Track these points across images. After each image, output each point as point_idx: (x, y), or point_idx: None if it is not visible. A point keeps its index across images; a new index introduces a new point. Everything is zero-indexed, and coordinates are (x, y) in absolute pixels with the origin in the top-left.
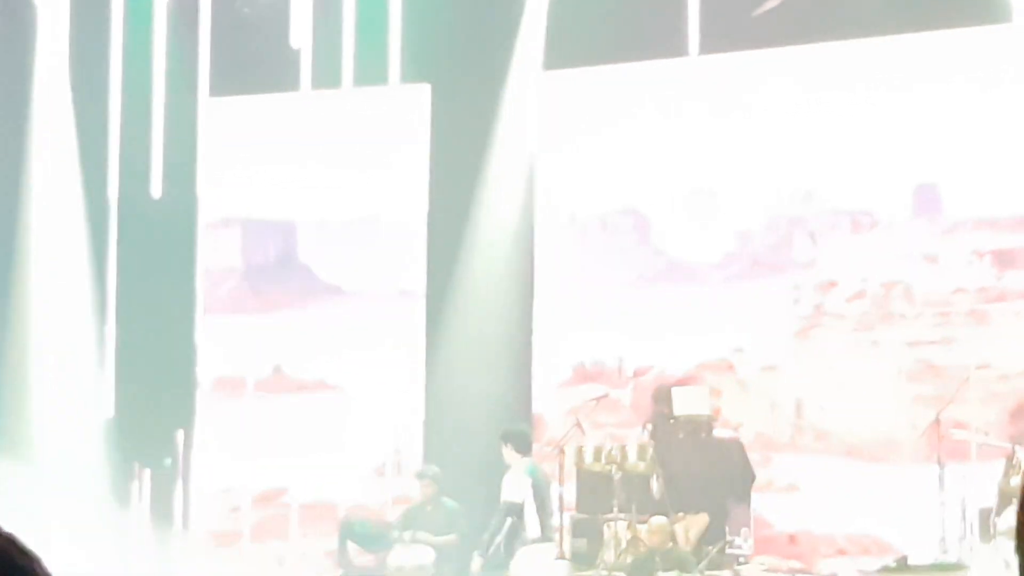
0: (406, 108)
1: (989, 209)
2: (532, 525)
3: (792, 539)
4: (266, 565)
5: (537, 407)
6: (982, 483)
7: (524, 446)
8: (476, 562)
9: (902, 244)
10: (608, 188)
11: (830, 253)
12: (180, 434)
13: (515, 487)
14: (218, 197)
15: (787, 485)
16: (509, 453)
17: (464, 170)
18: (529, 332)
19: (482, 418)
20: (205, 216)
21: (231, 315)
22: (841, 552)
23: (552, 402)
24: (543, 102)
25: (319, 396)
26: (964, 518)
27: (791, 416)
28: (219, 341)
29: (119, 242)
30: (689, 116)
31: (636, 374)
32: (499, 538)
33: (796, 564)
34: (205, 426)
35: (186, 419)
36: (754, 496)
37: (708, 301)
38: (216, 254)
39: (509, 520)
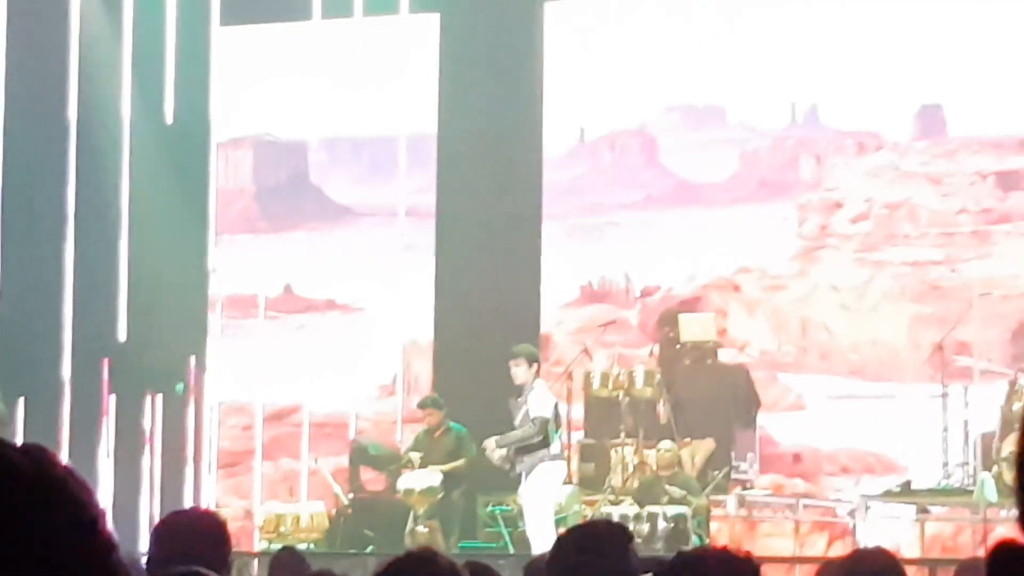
0: (415, 37)
1: (993, 130)
2: (555, 442)
3: (797, 457)
4: (277, 483)
5: (545, 327)
6: (984, 407)
7: (536, 364)
8: (497, 453)
9: (906, 165)
10: (616, 108)
11: (835, 174)
12: (192, 360)
13: (542, 402)
14: (230, 121)
15: (792, 404)
16: (524, 370)
17: (473, 96)
18: (538, 252)
19: (491, 337)
20: (217, 138)
21: (243, 235)
22: (845, 470)
23: (560, 322)
24: (550, 27)
25: (329, 315)
26: (967, 442)
27: (796, 336)
28: (231, 261)
29: (132, 166)
30: (695, 36)
31: (643, 294)
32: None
33: (799, 482)
34: (217, 346)
35: (199, 341)
36: (759, 415)
37: (715, 221)
38: (228, 175)
39: (541, 436)
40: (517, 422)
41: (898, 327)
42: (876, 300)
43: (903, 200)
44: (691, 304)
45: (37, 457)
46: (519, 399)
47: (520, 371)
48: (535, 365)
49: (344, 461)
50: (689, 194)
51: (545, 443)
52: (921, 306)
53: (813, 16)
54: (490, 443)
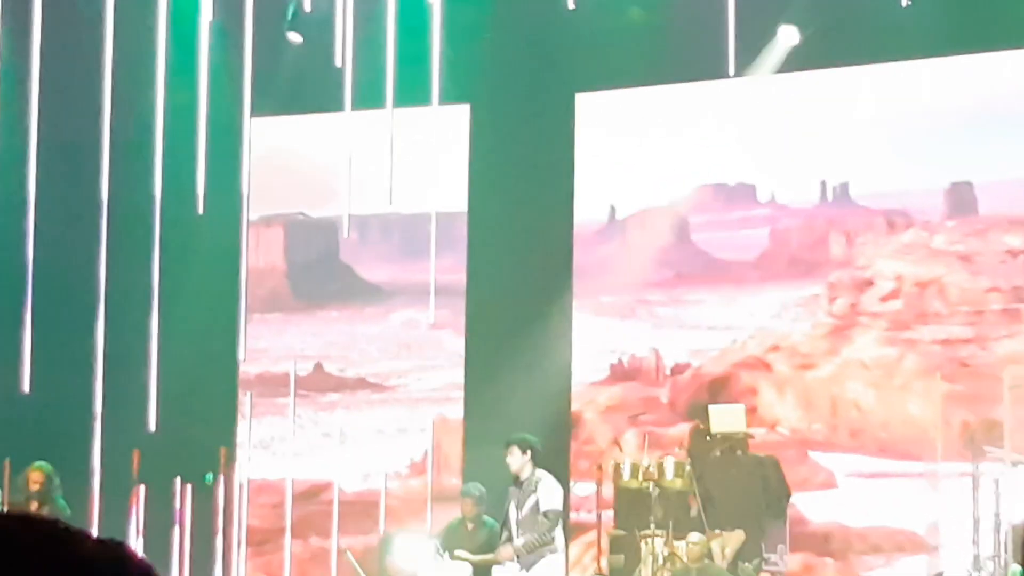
0: (446, 125)
1: (1022, 208)
2: (559, 536)
3: (827, 536)
4: (306, 562)
5: (575, 405)
6: (1016, 494)
7: (531, 451)
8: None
9: (937, 243)
10: (646, 187)
11: (866, 252)
12: (222, 451)
13: (553, 495)
14: (262, 199)
15: (822, 482)
16: (517, 459)
17: (504, 178)
18: (568, 330)
19: (521, 416)
20: (249, 216)
21: (273, 313)
22: (875, 548)
23: (590, 400)
24: (581, 115)
25: (360, 394)
26: (998, 532)
27: (826, 413)
28: (262, 339)
29: (163, 247)
30: (726, 115)
31: (673, 372)
32: (547, 547)
33: (829, 561)
34: (247, 425)
35: (229, 428)
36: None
37: (745, 300)
38: (259, 254)
39: (555, 532)
40: (518, 513)
41: (929, 404)
42: (906, 378)
43: (933, 278)
44: (721, 382)
45: (115, 552)
46: (518, 487)
47: (514, 460)
48: (528, 452)
49: (373, 540)
50: (719, 272)
51: (556, 538)
52: (952, 385)
53: (843, 94)
54: (509, 551)
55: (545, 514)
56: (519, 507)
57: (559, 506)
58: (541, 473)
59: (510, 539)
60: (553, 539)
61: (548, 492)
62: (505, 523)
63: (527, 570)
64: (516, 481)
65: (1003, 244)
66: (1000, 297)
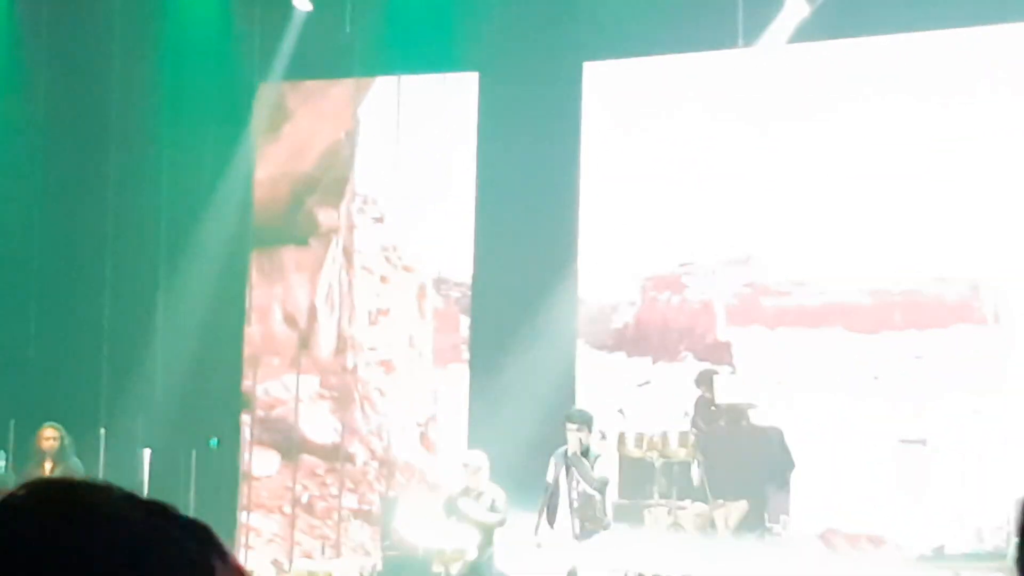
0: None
1: None
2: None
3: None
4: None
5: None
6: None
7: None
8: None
9: None
10: (653, 161)
11: None
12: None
13: (611, 466)
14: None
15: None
16: (586, 436)
17: (512, 146)
18: (574, 299)
19: (525, 387)
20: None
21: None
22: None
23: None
24: (587, 93)
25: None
26: (1001, 506)
27: None
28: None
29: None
30: (735, 91)
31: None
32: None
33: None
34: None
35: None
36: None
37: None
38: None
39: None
40: (572, 486)
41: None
42: None
43: None
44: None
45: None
46: (570, 460)
47: (584, 435)
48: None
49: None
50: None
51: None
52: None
53: (851, 66)
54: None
55: (601, 492)
56: (571, 480)
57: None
58: (598, 449)
59: (555, 508)
60: (606, 517)
61: (600, 463)
62: (554, 492)
63: (579, 542)
64: (568, 455)
65: None
66: None
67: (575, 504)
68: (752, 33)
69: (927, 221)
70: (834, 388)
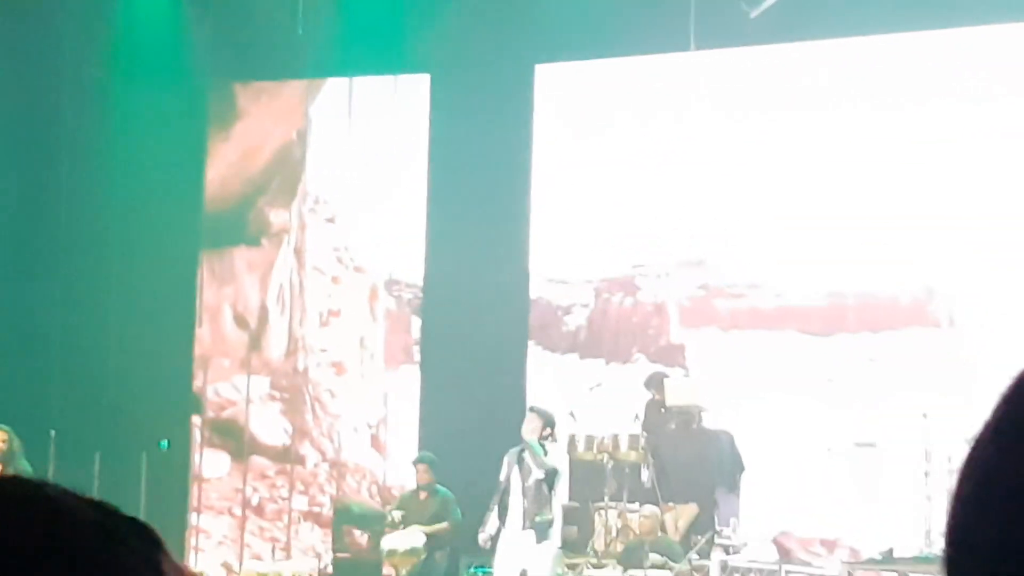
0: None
1: None
2: (557, 506)
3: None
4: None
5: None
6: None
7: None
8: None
9: None
10: (605, 162)
11: None
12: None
13: (564, 458)
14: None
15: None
16: (545, 429)
17: (463, 148)
18: (526, 299)
19: (478, 400)
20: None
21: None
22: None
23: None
24: (539, 94)
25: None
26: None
27: None
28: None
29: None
30: (686, 94)
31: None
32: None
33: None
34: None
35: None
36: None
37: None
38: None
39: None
40: (524, 481)
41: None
42: None
43: None
44: None
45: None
46: (523, 456)
47: (531, 428)
48: (549, 428)
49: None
50: None
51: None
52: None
53: (805, 69)
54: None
55: (549, 483)
56: (524, 471)
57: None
58: (553, 445)
59: (506, 507)
60: (553, 511)
61: (556, 454)
62: (506, 490)
63: (537, 543)
64: (520, 451)
65: None
66: None
67: (527, 495)
68: (704, 36)
69: (882, 224)
70: (788, 390)
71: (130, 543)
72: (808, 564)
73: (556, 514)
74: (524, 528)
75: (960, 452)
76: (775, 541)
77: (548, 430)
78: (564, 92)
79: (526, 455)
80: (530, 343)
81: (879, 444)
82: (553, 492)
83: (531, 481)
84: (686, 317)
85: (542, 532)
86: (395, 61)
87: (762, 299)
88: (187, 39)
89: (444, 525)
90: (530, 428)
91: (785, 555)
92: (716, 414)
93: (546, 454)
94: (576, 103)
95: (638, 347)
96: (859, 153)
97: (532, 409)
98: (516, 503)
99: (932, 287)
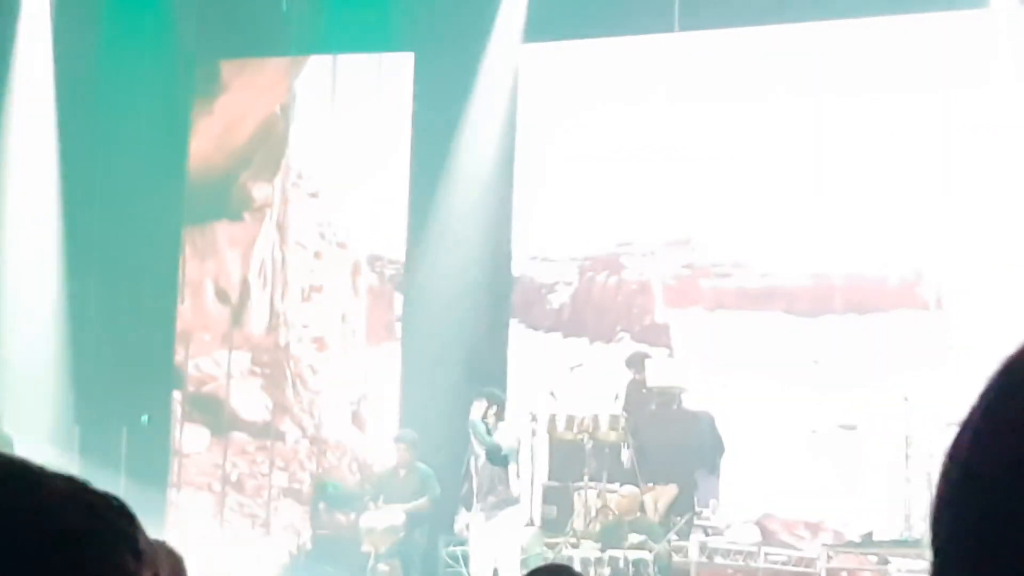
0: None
1: None
2: (515, 484)
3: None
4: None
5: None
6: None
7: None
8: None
9: None
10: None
11: None
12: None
13: (512, 436)
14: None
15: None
16: (490, 410)
17: (447, 127)
18: (509, 280)
19: (459, 378)
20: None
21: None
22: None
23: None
24: (523, 74)
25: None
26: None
27: None
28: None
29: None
30: (670, 75)
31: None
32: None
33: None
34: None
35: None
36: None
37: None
38: None
39: (507, 467)
40: (477, 461)
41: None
42: None
43: None
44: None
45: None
46: (479, 437)
47: (490, 413)
48: (494, 407)
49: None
50: None
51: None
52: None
53: (785, 50)
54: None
55: (494, 461)
56: (475, 458)
57: (515, 445)
58: (501, 424)
59: (470, 493)
60: (510, 489)
61: (505, 433)
62: (466, 474)
63: (487, 521)
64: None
65: None
66: None
67: (480, 475)
68: (689, 18)
69: (870, 205)
70: (773, 371)
71: (106, 518)
72: (789, 546)
73: (518, 492)
74: (481, 509)
75: (942, 437)
76: (758, 523)
77: (493, 408)
78: (548, 71)
79: (472, 438)
80: (513, 321)
81: (860, 427)
82: (508, 470)
83: (480, 462)
84: (671, 296)
85: (501, 511)
86: (379, 39)
87: (748, 279)
88: (172, 14)
89: (423, 501)
90: (474, 410)
91: (768, 537)
92: (699, 395)
93: (490, 433)
94: (560, 82)
95: (622, 326)
96: (847, 133)
97: (479, 392)
98: (472, 486)
99: (920, 269)
